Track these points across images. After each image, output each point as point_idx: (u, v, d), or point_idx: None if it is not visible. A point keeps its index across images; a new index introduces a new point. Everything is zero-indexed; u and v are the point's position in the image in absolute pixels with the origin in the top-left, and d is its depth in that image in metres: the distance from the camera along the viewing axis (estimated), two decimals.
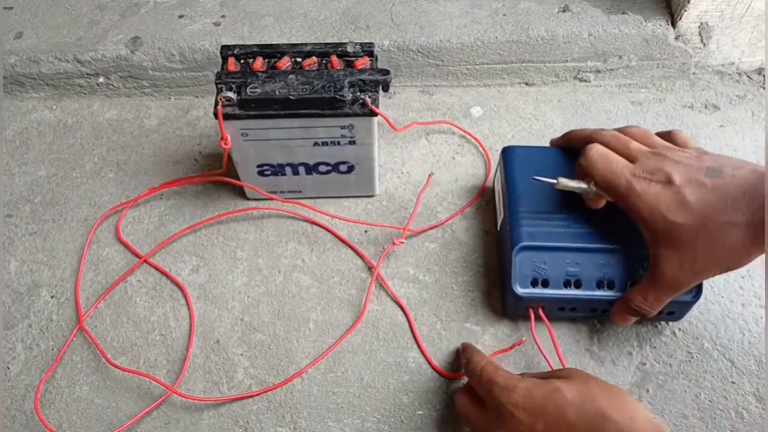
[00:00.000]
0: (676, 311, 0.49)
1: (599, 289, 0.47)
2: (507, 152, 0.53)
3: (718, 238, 0.40)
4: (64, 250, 0.56)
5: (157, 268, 0.54)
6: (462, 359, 0.47)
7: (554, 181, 0.47)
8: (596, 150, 0.45)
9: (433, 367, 0.50)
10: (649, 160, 0.43)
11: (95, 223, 0.57)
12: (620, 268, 0.47)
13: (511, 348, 0.49)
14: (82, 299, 0.53)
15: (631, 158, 0.44)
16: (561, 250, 0.47)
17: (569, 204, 0.49)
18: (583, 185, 0.46)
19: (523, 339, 0.49)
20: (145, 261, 0.55)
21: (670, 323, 0.51)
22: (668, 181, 0.41)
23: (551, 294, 0.48)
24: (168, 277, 0.54)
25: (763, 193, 0.38)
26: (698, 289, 0.46)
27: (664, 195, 0.41)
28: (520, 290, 0.47)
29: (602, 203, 0.47)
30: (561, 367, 0.42)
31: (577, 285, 0.47)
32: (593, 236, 0.48)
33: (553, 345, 0.48)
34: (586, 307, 0.49)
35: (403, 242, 0.53)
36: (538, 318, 0.49)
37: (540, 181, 0.47)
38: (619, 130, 0.48)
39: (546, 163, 0.52)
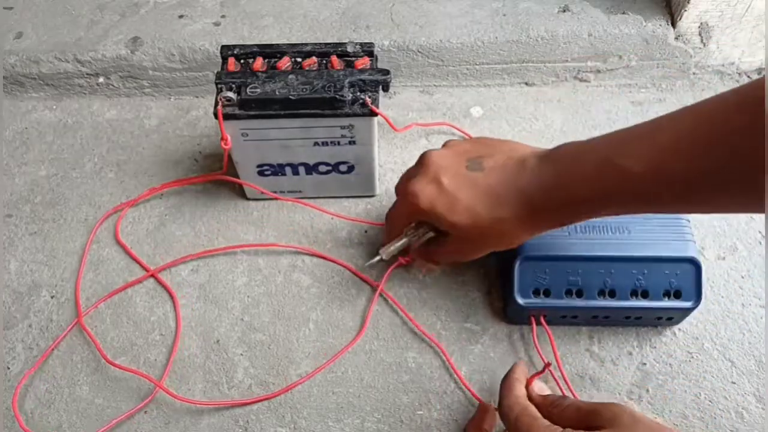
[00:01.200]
0: (675, 317, 0.49)
1: (601, 297, 0.47)
2: None
3: (491, 231, 0.42)
4: (64, 250, 0.56)
5: (161, 282, 0.54)
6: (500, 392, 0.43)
7: (378, 257, 0.49)
8: (392, 209, 0.50)
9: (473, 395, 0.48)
10: (421, 169, 0.45)
11: (96, 224, 0.57)
12: (621, 277, 0.47)
13: (542, 372, 0.44)
14: (82, 299, 0.53)
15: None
16: (562, 259, 0.47)
17: None
18: (403, 240, 0.48)
19: (550, 363, 0.44)
20: (153, 275, 0.54)
21: None
22: (438, 183, 0.43)
23: (553, 303, 0.48)
24: (167, 290, 0.54)
25: (523, 189, 0.41)
26: (698, 296, 0.47)
27: (438, 200, 0.43)
28: (522, 300, 0.48)
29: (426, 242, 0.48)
30: (600, 402, 0.38)
31: (579, 294, 0.48)
32: (594, 245, 0.48)
33: (552, 352, 0.49)
34: (587, 314, 0.49)
35: (409, 261, 0.53)
36: (539, 324, 0.49)
37: (375, 261, 0.49)
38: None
39: None
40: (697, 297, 0.47)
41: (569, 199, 0.39)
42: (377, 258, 0.49)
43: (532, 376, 0.43)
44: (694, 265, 0.47)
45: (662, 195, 0.36)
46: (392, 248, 0.48)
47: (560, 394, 0.42)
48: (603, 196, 0.38)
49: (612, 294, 0.47)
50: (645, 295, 0.47)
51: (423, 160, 0.45)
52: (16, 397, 0.48)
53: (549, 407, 0.40)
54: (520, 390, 0.42)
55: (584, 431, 0.36)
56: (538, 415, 0.39)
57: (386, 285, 0.53)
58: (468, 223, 0.42)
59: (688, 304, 0.47)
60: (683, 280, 0.47)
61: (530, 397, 0.42)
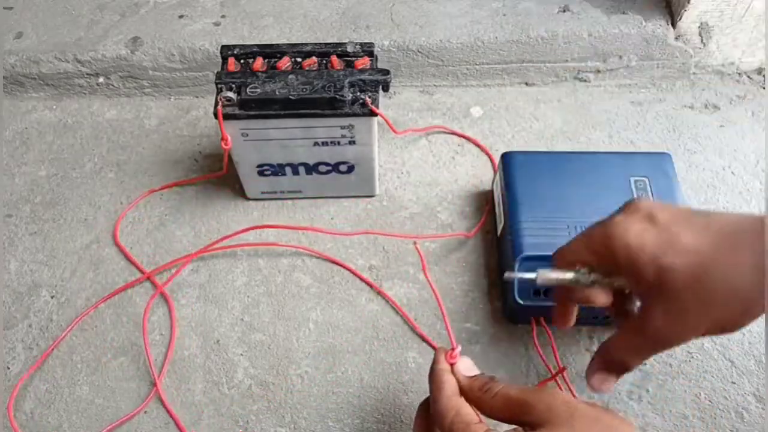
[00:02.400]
0: None
1: None
2: (507, 158, 0.53)
3: (718, 282, 0.32)
4: (64, 250, 0.56)
5: (155, 285, 0.54)
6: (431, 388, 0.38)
7: (533, 276, 0.38)
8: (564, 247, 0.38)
9: None
10: (623, 211, 0.36)
11: (96, 224, 0.57)
12: None
13: (552, 378, 0.45)
14: (82, 299, 0.53)
15: None
16: None
17: (571, 212, 0.49)
18: (568, 275, 0.37)
19: (565, 367, 0.43)
20: (149, 278, 0.54)
21: None
22: (651, 219, 0.34)
23: (552, 304, 0.47)
24: (164, 296, 0.54)
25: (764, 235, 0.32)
26: None
27: (649, 235, 0.34)
28: (521, 300, 0.47)
29: (601, 298, 0.38)
30: (531, 390, 0.34)
31: None
32: None
33: (552, 352, 0.49)
34: (587, 315, 0.49)
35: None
36: (539, 324, 0.49)
37: (514, 277, 0.40)
38: None
39: (546, 169, 0.51)
40: None
41: None
42: (532, 274, 0.38)
43: (450, 354, 0.38)
44: None
45: None
46: (554, 275, 0.37)
47: (487, 375, 0.37)
48: None
49: None
50: None
51: (629, 203, 0.36)
52: (12, 401, 0.48)
53: (477, 392, 0.36)
54: (450, 386, 0.37)
55: (518, 426, 0.33)
56: (473, 418, 0.35)
57: (386, 285, 0.53)
58: (689, 268, 0.32)
59: None
60: None
61: (457, 379, 0.37)
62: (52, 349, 0.51)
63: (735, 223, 0.33)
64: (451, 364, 0.38)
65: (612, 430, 0.32)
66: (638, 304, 0.37)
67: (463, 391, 0.37)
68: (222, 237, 0.55)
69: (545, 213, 0.49)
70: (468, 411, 0.35)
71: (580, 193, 0.50)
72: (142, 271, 0.54)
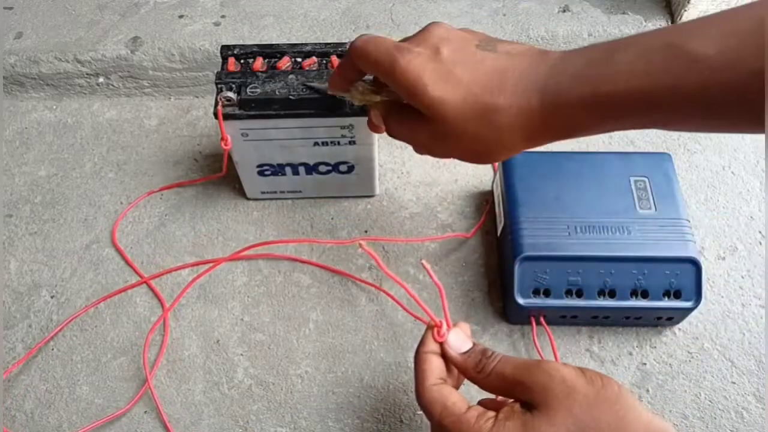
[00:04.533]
0: (675, 317, 0.49)
1: (601, 297, 0.47)
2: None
3: (478, 123, 0.35)
4: (64, 250, 0.56)
5: (154, 291, 0.54)
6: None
7: (325, 86, 0.45)
8: (362, 37, 0.39)
9: None
10: (418, 37, 0.38)
11: (96, 224, 0.57)
12: (621, 277, 0.47)
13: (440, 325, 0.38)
14: (82, 299, 0.53)
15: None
16: (562, 259, 0.47)
17: (570, 212, 0.49)
18: (348, 93, 0.43)
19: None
20: (146, 282, 0.54)
21: None
22: (435, 53, 0.36)
23: (552, 303, 0.48)
24: (160, 300, 0.54)
25: (538, 78, 0.34)
26: (698, 296, 0.47)
27: (429, 67, 0.36)
28: (521, 300, 0.48)
29: (378, 121, 0.43)
30: (527, 369, 0.33)
31: (579, 294, 0.47)
32: (594, 245, 0.48)
33: (552, 352, 0.49)
34: (587, 314, 0.49)
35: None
36: (539, 324, 0.49)
37: (312, 87, 0.46)
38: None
39: (546, 169, 0.52)
40: (697, 297, 0.47)
41: (601, 96, 0.32)
42: (323, 85, 0.46)
43: (436, 329, 0.37)
44: (694, 265, 0.47)
45: (728, 91, 0.29)
46: (334, 93, 0.45)
47: (480, 349, 0.37)
48: (647, 91, 0.31)
49: (612, 294, 0.47)
50: (645, 295, 0.47)
51: (425, 28, 0.38)
52: None
53: (472, 372, 0.35)
54: (433, 373, 0.36)
55: (514, 402, 0.33)
56: (461, 407, 0.33)
57: (386, 285, 0.53)
58: (454, 103, 0.35)
59: (688, 304, 0.47)
60: (683, 280, 0.47)
61: (449, 359, 0.37)
62: (42, 345, 0.51)
63: (505, 65, 0.35)
64: (440, 343, 0.37)
65: (610, 405, 0.31)
66: None
67: (462, 371, 0.36)
68: (225, 257, 0.55)
69: (545, 213, 0.49)
70: (455, 400, 0.34)
71: (580, 193, 0.50)
72: (140, 276, 0.54)
